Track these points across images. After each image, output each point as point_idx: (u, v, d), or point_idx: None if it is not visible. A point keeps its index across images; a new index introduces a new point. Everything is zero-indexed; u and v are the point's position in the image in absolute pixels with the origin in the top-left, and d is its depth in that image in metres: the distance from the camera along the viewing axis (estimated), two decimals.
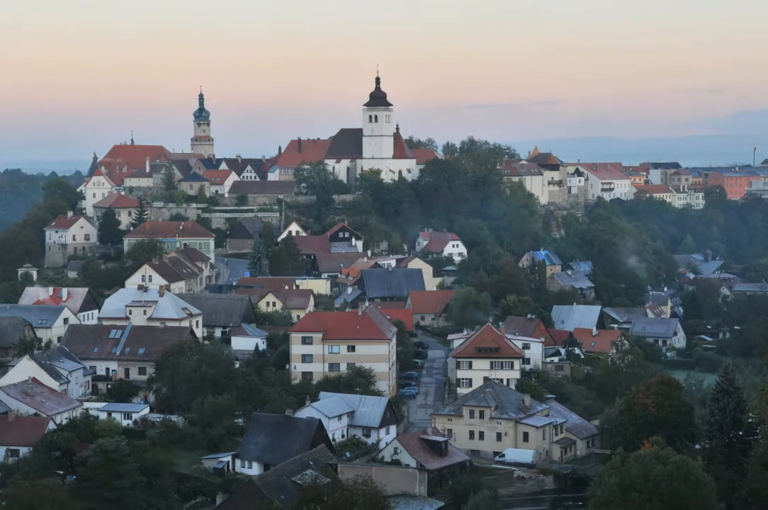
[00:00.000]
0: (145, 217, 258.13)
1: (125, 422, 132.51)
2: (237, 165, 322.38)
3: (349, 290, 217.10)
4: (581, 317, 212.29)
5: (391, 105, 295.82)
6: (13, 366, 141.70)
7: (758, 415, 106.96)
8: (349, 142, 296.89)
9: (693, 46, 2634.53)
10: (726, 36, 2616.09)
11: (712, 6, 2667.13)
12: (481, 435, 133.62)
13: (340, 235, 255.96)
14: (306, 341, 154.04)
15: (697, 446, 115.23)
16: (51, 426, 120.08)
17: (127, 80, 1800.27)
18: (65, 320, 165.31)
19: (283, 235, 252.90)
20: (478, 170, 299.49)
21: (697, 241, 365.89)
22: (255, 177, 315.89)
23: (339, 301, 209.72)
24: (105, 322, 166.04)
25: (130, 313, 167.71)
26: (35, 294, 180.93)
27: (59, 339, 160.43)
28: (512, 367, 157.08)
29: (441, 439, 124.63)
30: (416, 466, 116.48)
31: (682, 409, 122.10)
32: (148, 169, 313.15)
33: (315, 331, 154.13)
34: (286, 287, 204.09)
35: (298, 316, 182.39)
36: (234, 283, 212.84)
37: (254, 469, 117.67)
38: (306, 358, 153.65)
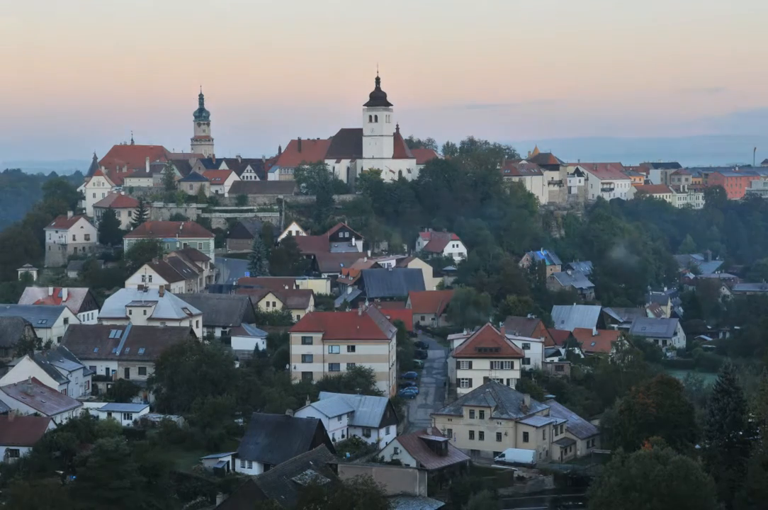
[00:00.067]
0: (145, 217, 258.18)
1: (125, 422, 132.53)
2: (237, 165, 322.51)
3: (349, 290, 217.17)
4: (581, 317, 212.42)
5: (391, 105, 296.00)
6: (13, 366, 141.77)
7: (758, 415, 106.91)
8: (349, 142, 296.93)
9: (693, 46, 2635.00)
10: (726, 36, 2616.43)
11: (712, 6, 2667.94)
12: (481, 435, 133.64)
13: (340, 235, 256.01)
14: (306, 341, 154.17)
15: (697, 446, 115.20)
16: (51, 426, 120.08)
17: (127, 80, 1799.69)
18: (65, 320, 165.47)
19: (283, 235, 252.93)
20: (478, 170, 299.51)
21: (697, 241, 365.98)
22: (255, 177, 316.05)
23: (339, 301, 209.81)
24: (105, 322, 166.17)
25: (130, 313, 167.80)
26: (35, 294, 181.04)
27: (59, 339, 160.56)
28: (512, 367, 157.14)
29: (441, 439, 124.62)
30: (416, 466, 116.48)
31: (682, 409, 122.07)
32: (148, 169, 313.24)
33: (315, 331, 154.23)
34: (286, 287, 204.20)
35: (298, 316, 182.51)
36: (234, 283, 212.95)
37: (254, 469, 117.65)
38: (306, 358, 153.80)
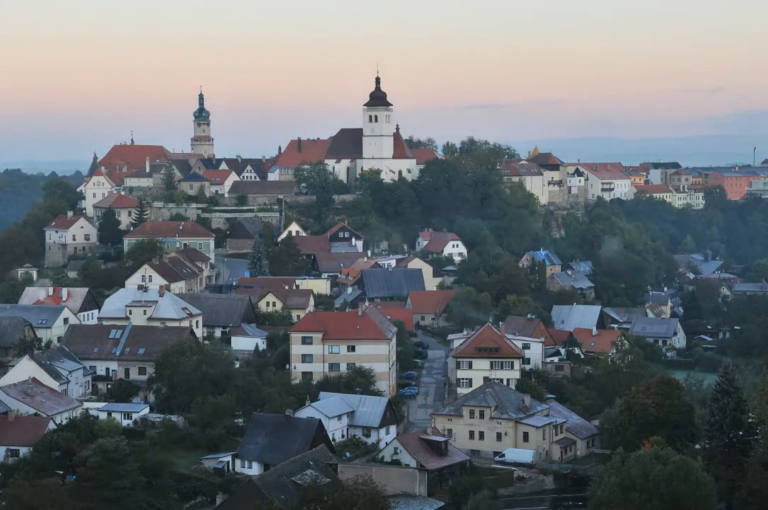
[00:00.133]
0: (145, 217, 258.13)
1: (125, 422, 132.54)
2: (237, 165, 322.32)
3: (349, 290, 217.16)
4: (581, 317, 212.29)
5: (391, 105, 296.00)
6: (13, 366, 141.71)
7: (758, 415, 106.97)
8: (349, 142, 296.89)
9: (693, 46, 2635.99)
10: (726, 36, 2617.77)
11: (712, 6, 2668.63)
12: (481, 435, 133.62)
13: (340, 235, 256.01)
14: (306, 341, 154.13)
15: (697, 446, 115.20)
16: (51, 426, 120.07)
17: (127, 80, 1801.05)
18: (65, 320, 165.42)
19: (283, 235, 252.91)
20: (478, 170, 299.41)
21: (697, 241, 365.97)
22: (255, 177, 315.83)
23: (339, 301, 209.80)
24: (105, 322, 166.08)
25: (130, 313, 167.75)
26: (35, 294, 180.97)
27: (59, 339, 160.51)
28: (512, 367, 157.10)
29: (441, 439, 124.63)
30: (416, 466, 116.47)
31: (682, 409, 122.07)
32: (148, 169, 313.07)
33: (315, 331, 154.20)
34: (286, 287, 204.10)
35: (298, 316, 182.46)
36: (234, 283, 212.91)
37: (254, 469, 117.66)
38: (306, 358, 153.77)
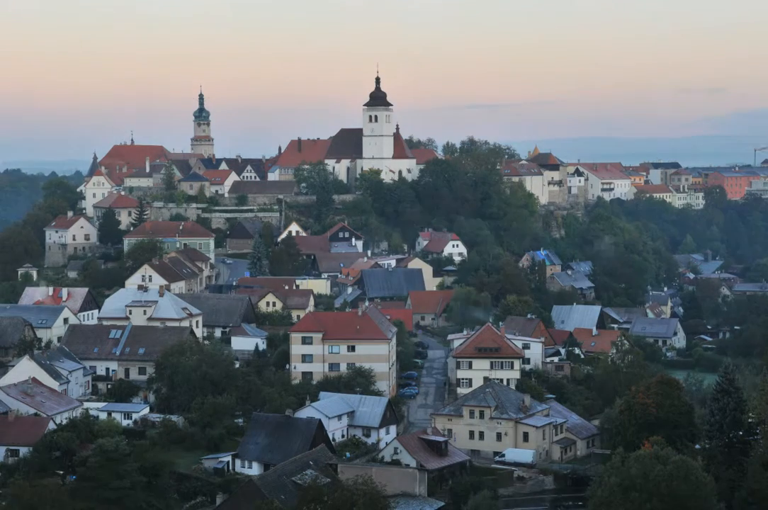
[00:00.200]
0: (145, 217, 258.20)
1: (125, 422, 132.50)
2: (237, 165, 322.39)
3: (349, 290, 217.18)
4: (581, 317, 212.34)
5: (391, 105, 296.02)
6: (13, 366, 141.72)
7: (758, 415, 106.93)
8: (349, 142, 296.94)
9: (693, 46, 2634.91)
10: (726, 36, 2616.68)
11: (712, 6, 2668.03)
12: (481, 435, 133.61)
13: (340, 235, 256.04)
14: (306, 341, 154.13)
15: (697, 446, 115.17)
16: (51, 426, 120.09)
17: (127, 80, 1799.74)
18: (65, 320, 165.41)
19: (283, 235, 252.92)
20: (478, 170, 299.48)
21: (697, 241, 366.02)
22: (255, 177, 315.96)
23: (339, 301, 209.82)
24: (105, 322, 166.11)
25: (130, 313, 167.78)
26: (35, 294, 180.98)
27: (59, 339, 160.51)
28: (512, 367, 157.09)
29: (441, 439, 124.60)
30: (416, 466, 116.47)
31: (682, 409, 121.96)
32: (148, 169, 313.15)
33: (315, 331, 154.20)
34: (286, 287, 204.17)
35: (298, 316, 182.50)
36: (234, 283, 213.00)
37: (254, 469, 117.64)
38: (306, 358, 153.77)
